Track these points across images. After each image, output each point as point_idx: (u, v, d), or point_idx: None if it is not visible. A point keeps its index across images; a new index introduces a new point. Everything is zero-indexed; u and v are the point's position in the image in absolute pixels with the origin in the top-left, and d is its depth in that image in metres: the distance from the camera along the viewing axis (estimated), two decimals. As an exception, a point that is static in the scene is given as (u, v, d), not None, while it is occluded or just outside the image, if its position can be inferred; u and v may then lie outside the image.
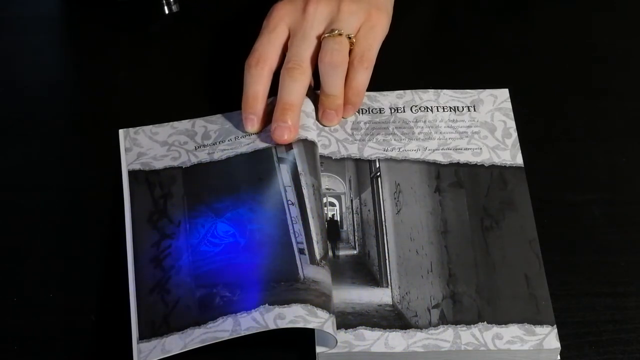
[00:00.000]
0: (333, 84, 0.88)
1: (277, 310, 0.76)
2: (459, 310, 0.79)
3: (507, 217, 0.83)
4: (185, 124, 0.90)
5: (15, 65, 0.98)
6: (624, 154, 0.90)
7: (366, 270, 0.82)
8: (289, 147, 0.86)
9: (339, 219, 0.85)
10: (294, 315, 0.75)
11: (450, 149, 0.88)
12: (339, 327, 0.77)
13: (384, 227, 0.84)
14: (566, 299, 0.81)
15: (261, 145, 0.87)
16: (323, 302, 0.77)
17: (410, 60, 0.98)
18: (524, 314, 0.78)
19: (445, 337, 0.77)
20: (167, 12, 0.96)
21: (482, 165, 0.87)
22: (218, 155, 0.87)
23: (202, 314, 0.77)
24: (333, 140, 0.89)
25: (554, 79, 0.96)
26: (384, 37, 0.91)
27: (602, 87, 0.95)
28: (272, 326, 0.75)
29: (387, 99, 0.91)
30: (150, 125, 0.90)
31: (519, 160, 0.87)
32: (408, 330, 0.78)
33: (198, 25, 1.00)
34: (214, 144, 0.88)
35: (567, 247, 0.84)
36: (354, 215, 0.85)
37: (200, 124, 0.90)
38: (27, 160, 0.90)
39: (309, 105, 0.89)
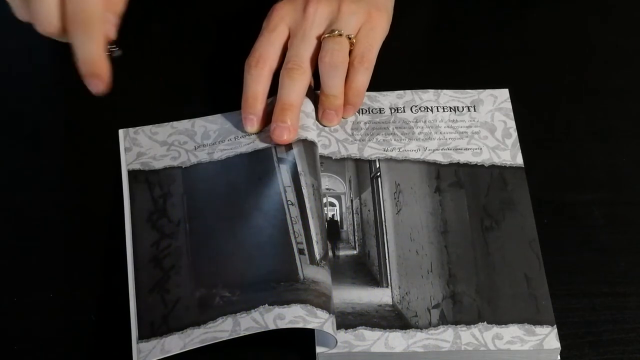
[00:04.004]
0: (333, 84, 0.88)
1: (277, 310, 0.76)
2: (459, 311, 0.79)
3: (507, 217, 0.83)
4: (185, 124, 0.90)
5: (15, 65, 0.98)
6: (624, 154, 0.90)
7: (366, 270, 0.82)
8: (288, 147, 0.86)
9: (339, 219, 0.85)
10: (293, 316, 0.75)
11: (450, 149, 0.88)
12: (339, 327, 0.77)
13: (384, 227, 0.84)
14: (566, 299, 0.81)
15: (261, 145, 0.87)
16: (323, 302, 0.77)
17: (410, 60, 0.98)
18: (524, 314, 0.78)
19: (445, 337, 0.78)
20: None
21: (482, 165, 0.87)
22: (218, 155, 0.87)
23: (202, 314, 0.77)
24: (333, 140, 0.89)
25: (554, 79, 0.96)
26: (384, 38, 0.91)
27: (602, 87, 0.95)
28: (271, 326, 0.75)
29: (387, 99, 0.92)
30: (150, 125, 0.90)
31: (519, 160, 0.87)
32: (408, 330, 0.78)
33: (198, 25, 1.00)
34: (213, 144, 0.88)
35: (567, 247, 0.84)
36: (354, 215, 0.85)
37: (200, 123, 0.90)
38: (27, 160, 0.90)
39: (309, 106, 0.89)
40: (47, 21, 0.77)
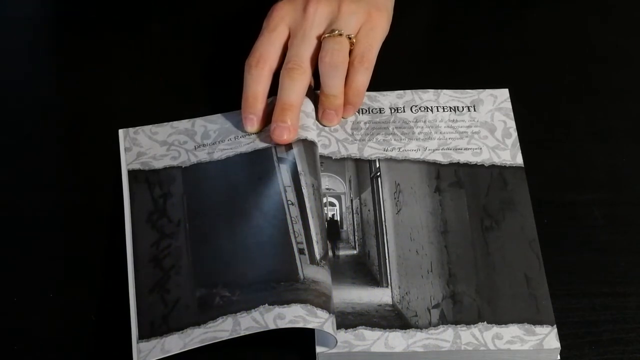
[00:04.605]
0: (333, 84, 0.88)
1: (277, 310, 0.76)
2: (459, 310, 0.79)
3: (507, 217, 0.83)
4: (184, 124, 0.90)
5: (15, 66, 0.98)
6: (624, 154, 0.90)
7: (366, 270, 0.82)
8: (288, 147, 0.86)
9: (339, 219, 0.85)
10: (293, 315, 0.75)
11: (450, 149, 0.88)
12: (339, 327, 0.77)
13: (384, 227, 0.84)
14: (566, 299, 0.81)
15: (261, 145, 0.87)
16: (323, 302, 0.77)
17: (410, 60, 0.98)
18: (524, 314, 0.78)
19: (445, 337, 0.77)
20: None
21: (482, 165, 0.87)
22: (218, 155, 0.87)
23: (202, 314, 0.77)
24: (333, 140, 0.89)
25: (554, 79, 0.96)
26: (384, 38, 0.91)
27: (602, 87, 0.95)
28: (271, 326, 0.75)
29: (387, 99, 0.92)
30: (150, 125, 0.90)
31: (519, 160, 0.87)
32: (408, 330, 0.78)
33: (198, 25, 1.00)
34: (213, 144, 0.88)
35: (567, 247, 0.84)
36: (354, 215, 0.85)
37: (199, 123, 0.90)
38: (27, 160, 0.90)
39: (309, 105, 0.89)
40: None
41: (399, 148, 0.88)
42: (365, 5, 0.89)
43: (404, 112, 0.91)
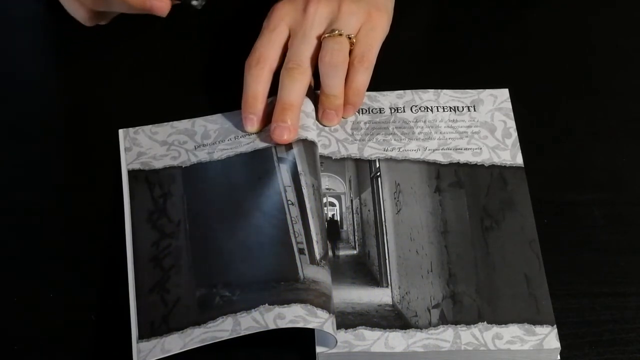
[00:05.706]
0: (333, 84, 0.88)
1: (277, 310, 0.76)
2: (459, 310, 0.79)
3: (507, 217, 0.83)
4: (184, 124, 0.90)
5: (15, 66, 0.98)
6: (624, 154, 0.90)
7: (366, 270, 0.82)
8: (288, 147, 0.86)
9: (339, 219, 0.85)
10: (293, 315, 0.75)
11: (450, 149, 0.88)
12: (339, 327, 0.77)
13: (384, 227, 0.84)
14: (566, 299, 0.81)
15: (261, 145, 0.87)
16: (323, 302, 0.77)
17: (410, 60, 0.98)
18: (524, 314, 0.78)
19: (445, 337, 0.77)
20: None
21: (482, 165, 0.87)
22: (218, 155, 0.87)
23: (202, 314, 0.77)
24: (333, 140, 0.89)
25: (554, 79, 0.96)
26: (384, 37, 0.91)
27: (602, 87, 0.95)
28: (272, 326, 0.75)
29: (387, 99, 0.92)
30: (150, 125, 0.90)
31: (519, 160, 0.87)
32: (408, 330, 0.78)
33: (198, 25, 1.00)
34: (213, 144, 0.88)
35: (567, 247, 0.84)
36: (354, 215, 0.85)
37: (200, 123, 0.90)
38: (27, 160, 0.90)
39: (309, 105, 0.89)
40: None
41: (399, 148, 0.88)
42: (365, 5, 0.89)
43: (404, 112, 0.91)
